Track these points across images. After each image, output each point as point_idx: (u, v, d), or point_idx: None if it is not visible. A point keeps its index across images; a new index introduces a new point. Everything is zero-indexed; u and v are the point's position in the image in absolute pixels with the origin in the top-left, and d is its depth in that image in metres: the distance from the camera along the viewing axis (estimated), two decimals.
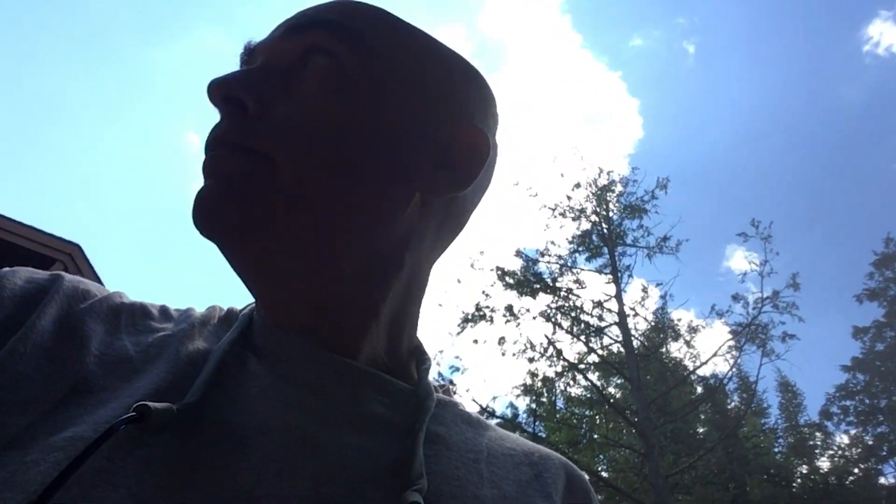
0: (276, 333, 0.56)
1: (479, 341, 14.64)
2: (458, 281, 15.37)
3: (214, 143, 0.54)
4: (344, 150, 0.54)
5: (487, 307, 14.88)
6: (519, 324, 14.59)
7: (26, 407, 0.45)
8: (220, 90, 0.54)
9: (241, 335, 0.57)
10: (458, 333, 14.77)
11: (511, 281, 15.08)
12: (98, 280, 8.52)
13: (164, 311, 0.63)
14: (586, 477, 0.68)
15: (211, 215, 0.52)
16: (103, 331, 0.55)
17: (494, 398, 14.54)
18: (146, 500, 0.41)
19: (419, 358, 0.65)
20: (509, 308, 14.70)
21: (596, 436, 15.42)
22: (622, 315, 15.01)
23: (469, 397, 13.72)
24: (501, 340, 14.65)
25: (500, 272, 15.16)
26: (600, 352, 15.25)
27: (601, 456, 16.77)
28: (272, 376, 0.53)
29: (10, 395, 0.46)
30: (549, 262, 16.04)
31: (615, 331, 15.07)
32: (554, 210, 16.70)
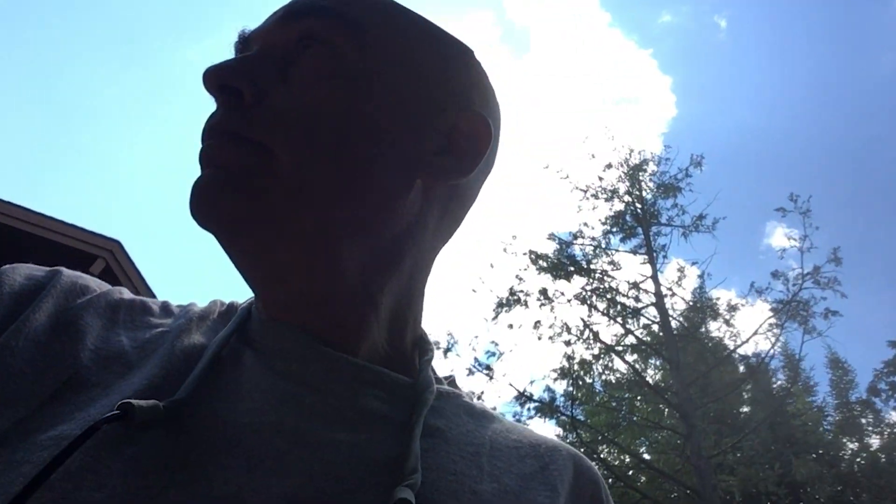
0: (272, 328, 0.55)
1: (515, 326, 14.60)
2: (492, 266, 15.35)
3: (211, 133, 0.53)
4: (343, 139, 0.53)
5: (521, 291, 14.82)
6: (553, 307, 14.50)
7: (17, 402, 0.45)
8: (215, 78, 0.53)
9: (238, 330, 0.57)
10: (493, 318, 14.74)
11: (545, 264, 14.98)
12: (139, 275, 8.69)
13: (165, 307, 0.63)
14: (596, 469, 0.66)
15: (209, 206, 0.51)
16: (100, 326, 0.55)
17: (532, 382, 14.47)
18: (130, 499, 0.40)
19: (423, 349, 0.64)
20: (543, 292, 14.61)
21: (636, 418, 15.29)
22: (659, 295, 14.81)
23: (506, 382, 13.72)
24: (537, 324, 14.58)
25: (533, 256, 15.08)
26: (638, 333, 15.09)
27: (644, 438, 16.62)
28: (267, 372, 0.52)
29: (1, 390, 0.46)
30: (582, 245, 15.90)
31: (652, 312, 14.90)
32: (586, 192, 16.54)
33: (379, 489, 0.46)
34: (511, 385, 13.77)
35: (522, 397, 13.82)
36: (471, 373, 13.76)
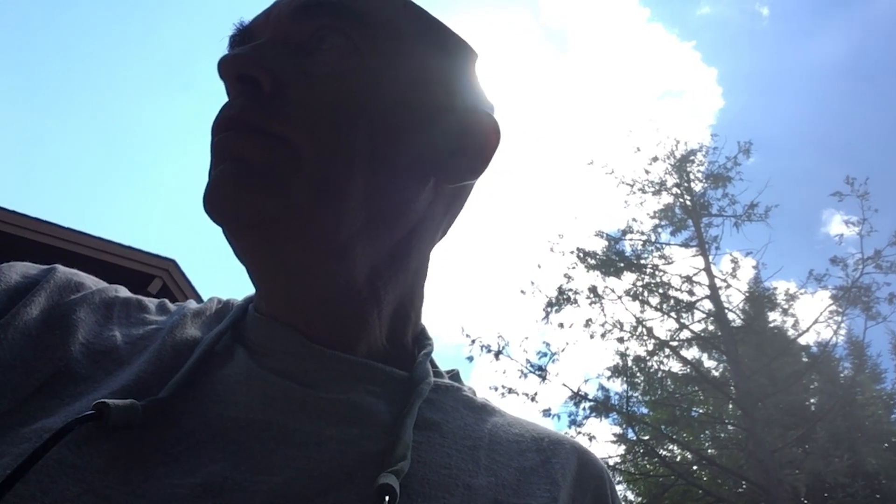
0: (265, 326, 0.55)
1: (566, 325, 14.47)
2: (539, 266, 15.26)
3: (229, 123, 0.50)
4: (365, 136, 0.52)
5: (571, 290, 14.69)
6: (604, 305, 14.33)
7: (4, 394, 0.45)
8: (233, 68, 0.51)
9: (232, 327, 0.57)
10: (544, 319, 14.64)
11: (593, 262, 14.82)
12: (195, 292, 8.94)
13: (161, 305, 0.62)
14: (602, 463, 0.66)
15: (230, 201, 0.49)
16: (93, 321, 0.54)
17: (586, 381, 14.31)
18: (107, 494, 0.40)
19: (422, 343, 0.63)
20: (593, 289, 14.46)
21: (696, 413, 14.97)
22: (713, 288, 14.51)
23: (559, 382, 13.61)
24: (588, 323, 14.43)
25: (581, 254, 14.94)
26: (693, 327, 14.80)
27: (707, 432, 16.26)
28: (258, 369, 0.52)
29: None
30: (631, 240, 15.69)
31: (707, 305, 14.59)
32: (633, 186, 16.31)
33: (366, 482, 0.45)
34: (565, 385, 13.65)
35: (577, 397, 13.69)
36: (523, 375, 13.69)
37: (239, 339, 0.56)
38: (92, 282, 0.60)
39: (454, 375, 0.67)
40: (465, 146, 0.61)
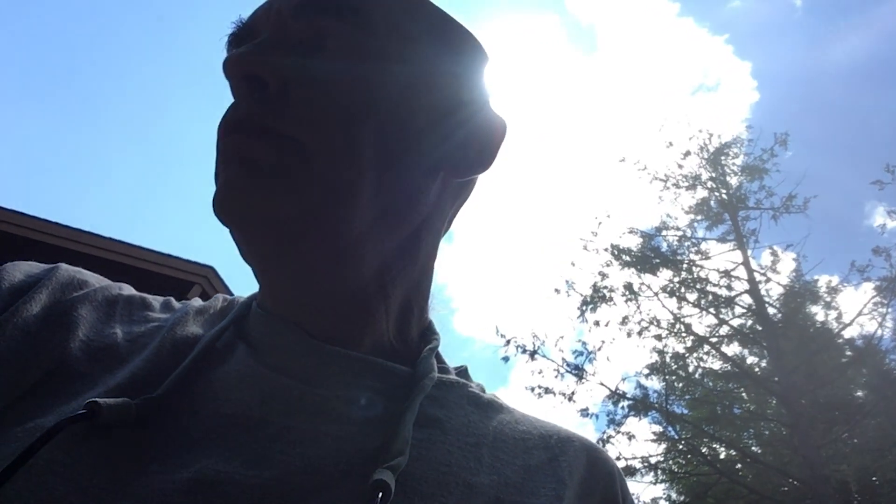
0: (266, 322, 0.55)
1: (601, 323, 14.35)
2: (573, 264, 15.15)
3: (237, 126, 0.50)
4: (374, 134, 0.51)
5: (606, 288, 14.56)
6: (640, 302, 14.19)
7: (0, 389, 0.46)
8: (240, 67, 0.50)
9: (234, 324, 0.57)
10: (579, 317, 14.55)
11: (628, 259, 14.68)
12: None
13: (166, 303, 0.62)
14: (612, 461, 0.64)
15: (242, 205, 0.49)
16: (94, 318, 0.54)
17: (623, 379, 14.16)
18: (96, 493, 0.40)
19: (429, 337, 0.62)
20: (628, 286, 14.32)
21: (738, 410, 14.72)
22: (752, 282, 14.27)
23: (596, 381, 13.50)
24: (625, 320, 14.29)
25: (615, 251, 14.81)
26: (733, 323, 14.55)
27: (751, 430, 15.96)
28: (258, 366, 0.51)
29: None
30: (666, 236, 15.50)
31: (747, 299, 14.35)
32: (666, 181, 16.13)
33: (361, 478, 0.44)
34: (602, 384, 13.54)
35: (615, 395, 13.56)
36: (559, 374, 13.61)
37: (242, 335, 0.55)
38: (95, 280, 0.60)
39: (462, 372, 0.66)
40: (474, 141, 0.61)
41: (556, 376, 13.71)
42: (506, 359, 13.64)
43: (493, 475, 0.52)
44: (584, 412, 13.76)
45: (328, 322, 0.54)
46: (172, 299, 0.64)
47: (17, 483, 0.39)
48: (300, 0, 0.54)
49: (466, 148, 0.60)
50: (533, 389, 13.70)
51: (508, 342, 13.65)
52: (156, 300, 0.62)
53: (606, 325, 14.37)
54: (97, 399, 0.43)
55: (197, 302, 0.62)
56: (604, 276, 14.71)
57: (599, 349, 13.91)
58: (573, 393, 13.61)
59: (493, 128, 0.62)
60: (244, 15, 0.58)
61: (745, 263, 14.47)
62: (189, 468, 0.43)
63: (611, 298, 14.47)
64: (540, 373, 13.77)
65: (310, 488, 0.44)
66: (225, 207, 0.49)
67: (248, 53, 0.50)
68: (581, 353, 13.92)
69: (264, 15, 0.56)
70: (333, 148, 0.49)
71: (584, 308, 14.53)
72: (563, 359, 13.73)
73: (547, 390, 13.64)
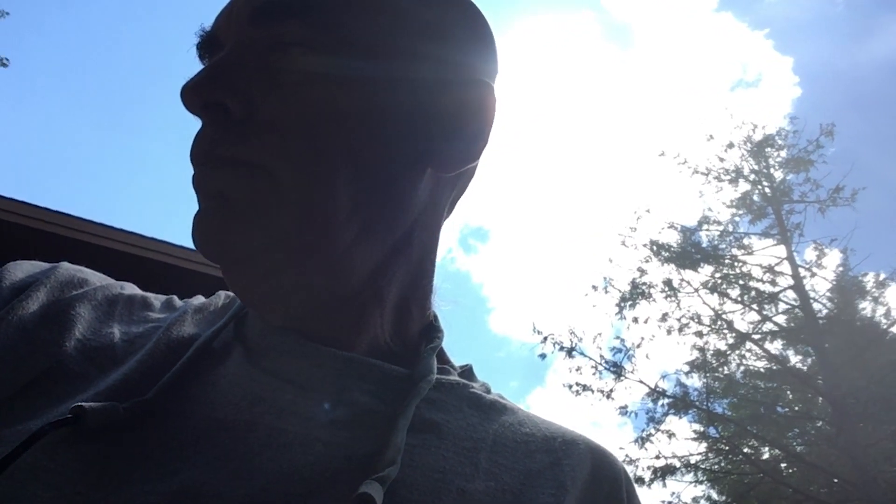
0: (260, 324, 0.53)
1: (640, 320, 14.18)
2: (610, 261, 15.00)
3: (201, 157, 0.48)
4: (345, 145, 0.49)
5: (644, 284, 14.38)
6: (679, 299, 13.98)
7: None
8: (196, 96, 0.47)
9: (231, 324, 0.55)
10: (617, 314, 14.39)
11: (667, 254, 14.46)
12: None
13: (168, 302, 0.61)
14: (620, 465, 0.61)
15: (215, 242, 0.48)
16: (93, 318, 0.53)
17: (663, 377, 13.97)
18: (78, 500, 0.39)
19: (430, 336, 0.60)
20: (668, 283, 14.12)
21: (782, 409, 14.41)
22: (797, 277, 13.95)
23: (635, 378, 13.35)
24: (664, 317, 14.09)
25: (654, 247, 14.60)
26: (777, 319, 14.24)
27: (796, 429, 15.62)
28: (250, 368, 0.50)
29: None
30: (707, 231, 15.23)
31: (791, 295, 14.03)
32: (707, 175, 15.83)
33: (348, 487, 0.42)
34: (641, 382, 13.38)
35: (654, 393, 13.39)
36: (598, 372, 13.49)
37: (239, 336, 0.54)
38: (97, 279, 0.58)
39: (467, 371, 0.63)
40: (462, 126, 0.56)
41: (594, 374, 13.61)
42: (543, 356, 13.60)
43: (489, 481, 0.50)
44: (623, 410, 13.63)
45: (322, 325, 0.53)
46: (175, 298, 0.62)
47: None
48: (256, 5, 0.50)
49: (454, 138, 0.55)
50: (571, 387, 13.62)
51: (545, 339, 13.60)
52: (157, 299, 0.60)
53: (646, 321, 14.21)
54: (82, 403, 0.42)
55: (197, 300, 0.61)
56: (643, 272, 14.54)
57: (638, 346, 13.76)
58: (611, 390, 13.50)
59: (484, 110, 0.57)
60: (206, 24, 0.55)
61: (790, 258, 14.15)
62: (174, 478, 0.41)
63: (650, 295, 14.30)
64: (578, 370, 13.69)
65: (295, 496, 0.42)
66: (198, 243, 0.48)
67: (203, 80, 0.47)
68: (619, 351, 13.79)
69: (225, 23, 0.53)
70: (300, 169, 0.47)
71: (622, 305, 14.39)
72: (601, 356, 13.62)
73: (585, 387, 13.55)
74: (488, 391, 0.61)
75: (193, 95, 0.47)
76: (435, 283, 0.62)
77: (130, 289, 0.60)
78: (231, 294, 0.63)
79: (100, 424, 0.42)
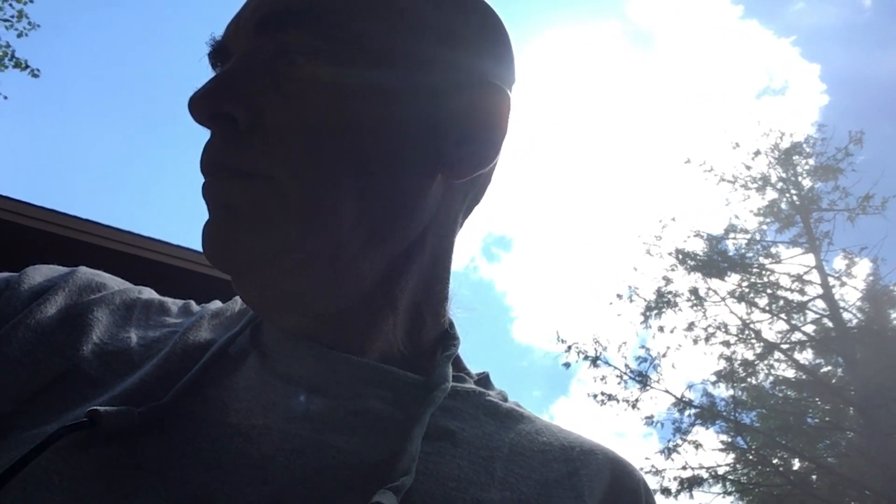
0: (276, 330, 0.53)
1: (666, 329, 14.05)
2: (635, 269, 14.89)
3: (209, 168, 0.49)
4: (351, 152, 0.49)
5: (670, 293, 14.25)
6: (706, 307, 13.83)
7: (9, 390, 0.46)
8: (204, 107, 0.48)
9: (248, 329, 0.56)
10: (642, 323, 14.27)
11: (693, 263, 14.33)
12: None
13: (185, 307, 0.61)
14: (640, 476, 0.60)
15: (222, 251, 0.48)
16: (110, 322, 0.53)
17: (689, 387, 13.81)
18: (92, 503, 0.40)
19: (446, 343, 0.59)
20: (694, 291, 13.98)
21: (811, 420, 14.16)
22: (826, 286, 13.74)
23: (661, 388, 13.22)
24: (690, 326, 13.95)
25: (679, 255, 14.47)
26: (806, 329, 14.03)
27: (827, 440, 15.34)
28: (266, 373, 0.50)
29: None
30: (734, 239, 15.08)
31: (820, 304, 13.82)
32: (734, 183, 15.68)
33: (361, 495, 0.42)
34: (667, 391, 13.24)
35: (681, 403, 13.25)
36: (623, 381, 13.38)
37: (255, 342, 0.54)
38: (115, 283, 0.59)
39: (483, 379, 0.62)
40: (473, 131, 0.55)
41: (619, 383, 13.50)
42: (566, 365, 13.51)
43: (505, 490, 0.49)
44: (649, 420, 13.50)
45: (334, 331, 0.53)
46: (192, 302, 0.62)
47: (10, 492, 0.39)
48: (261, 15, 0.50)
49: (465, 143, 0.55)
50: (595, 396, 13.52)
51: (569, 348, 13.52)
52: (175, 304, 0.61)
53: (671, 331, 14.07)
54: (97, 407, 0.42)
55: (214, 305, 0.61)
56: (668, 280, 14.42)
57: (664, 356, 13.63)
58: (637, 400, 13.38)
59: (497, 114, 0.56)
60: (217, 33, 0.55)
61: (818, 267, 13.94)
62: (187, 485, 0.41)
63: (676, 304, 14.16)
64: (602, 379, 13.58)
65: (308, 501, 0.42)
66: (206, 251, 0.49)
67: (209, 91, 0.48)
68: (645, 360, 13.67)
69: (233, 32, 0.53)
70: (304, 177, 0.47)
71: (647, 314, 14.26)
72: (627, 365, 13.51)
73: (610, 397, 13.44)
74: (505, 399, 0.60)
75: (200, 106, 0.48)
76: (451, 290, 0.61)
77: (148, 293, 0.61)
78: None
79: (115, 429, 0.42)
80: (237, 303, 0.62)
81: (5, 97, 10.08)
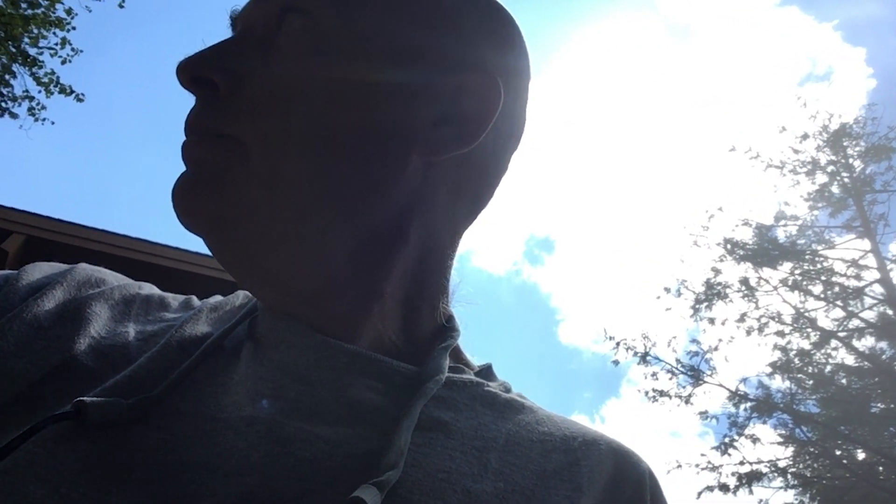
0: (267, 319, 0.53)
1: (717, 322, 13.77)
2: (682, 261, 14.65)
3: (187, 128, 0.51)
4: (318, 119, 0.49)
5: (720, 284, 13.96)
6: (758, 297, 13.52)
7: (2, 383, 0.46)
8: (187, 72, 0.50)
9: (245, 322, 0.56)
10: (692, 316, 14.02)
11: (743, 252, 14.02)
12: None
13: (186, 302, 0.61)
14: (646, 467, 0.59)
15: (184, 205, 0.49)
16: (109, 316, 0.54)
17: (744, 380, 13.51)
18: (74, 498, 0.39)
19: (445, 335, 0.58)
20: (744, 281, 13.67)
21: (875, 408, 13.71)
22: (883, 270, 13.29)
23: (714, 382, 12.96)
24: (742, 317, 13.65)
25: (728, 245, 14.17)
26: (864, 315, 13.60)
27: (892, 429, 14.83)
28: (258, 364, 0.50)
29: None
30: (785, 226, 14.70)
31: (878, 289, 13.38)
32: (782, 168, 15.27)
33: (346, 487, 0.41)
34: (721, 385, 12.98)
35: (735, 396, 12.97)
36: (673, 375, 13.16)
37: (251, 333, 0.54)
38: (115, 279, 0.59)
39: (485, 370, 0.62)
40: (456, 113, 0.55)
41: (670, 379, 13.29)
42: (616, 362, 13.37)
43: (498, 482, 0.48)
44: (704, 415, 13.25)
45: (319, 313, 0.52)
46: (194, 298, 0.63)
47: None
48: None
49: (442, 124, 0.54)
50: (647, 393, 13.35)
51: (618, 345, 13.37)
52: (175, 299, 0.61)
53: (723, 323, 13.80)
54: (84, 398, 0.42)
55: (214, 299, 0.61)
56: (717, 272, 14.13)
57: (716, 349, 13.38)
58: (690, 395, 13.16)
59: (482, 99, 0.55)
60: (237, 7, 0.57)
61: (875, 251, 13.50)
62: (174, 477, 0.41)
63: (726, 295, 13.88)
64: (653, 376, 13.39)
65: (291, 495, 0.42)
66: (174, 209, 0.50)
67: (197, 56, 0.50)
68: (696, 354, 13.43)
69: (241, 6, 0.56)
70: (266, 139, 0.49)
71: (697, 306, 14.00)
72: (678, 360, 13.29)
73: (662, 393, 13.25)
74: (507, 390, 0.60)
75: (184, 71, 0.50)
76: (452, 284, 0.61)
77: (148, 289, 0.61)
78: (249, 294, 0.63)
79: (102, 420, 0.42)
80: (237, 297, 0.62)
81: (52, 122, 10.39)
